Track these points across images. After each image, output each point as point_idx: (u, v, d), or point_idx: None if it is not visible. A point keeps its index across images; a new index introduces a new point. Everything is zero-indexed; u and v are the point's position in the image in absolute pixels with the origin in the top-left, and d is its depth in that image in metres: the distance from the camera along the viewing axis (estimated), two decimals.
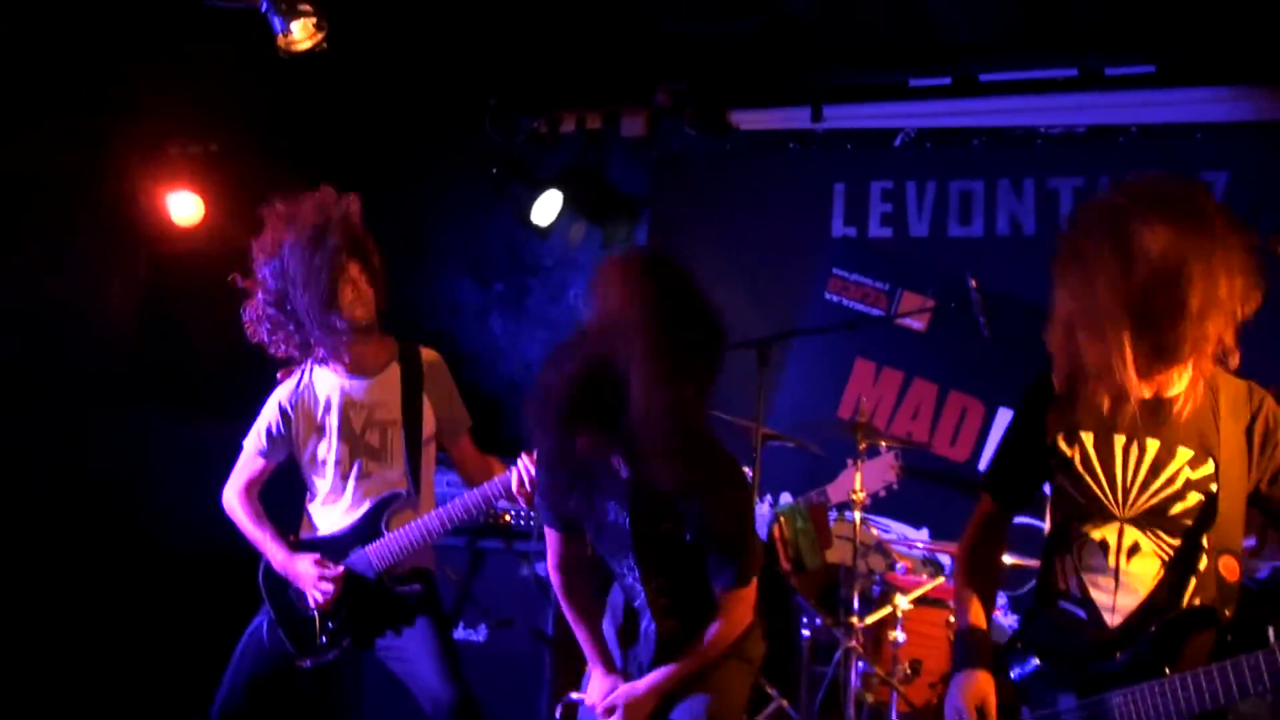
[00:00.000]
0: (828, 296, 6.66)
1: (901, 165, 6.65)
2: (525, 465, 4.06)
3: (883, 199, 6.67)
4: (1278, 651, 2.60)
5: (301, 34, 4.56)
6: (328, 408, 4.33)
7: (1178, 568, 2.90)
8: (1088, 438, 2.99)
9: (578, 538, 3.62)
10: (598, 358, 3.08)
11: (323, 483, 4.36)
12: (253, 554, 4.37)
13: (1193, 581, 2.89)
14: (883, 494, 5.28)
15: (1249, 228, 2.78)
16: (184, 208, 6.36)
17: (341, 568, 4.22)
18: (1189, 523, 2.89)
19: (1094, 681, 2.90)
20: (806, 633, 5.19)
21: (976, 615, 3.17)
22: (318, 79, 6.04)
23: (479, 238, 7.52)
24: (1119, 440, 2.94)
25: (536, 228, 6.89)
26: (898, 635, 5.00)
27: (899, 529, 6.12)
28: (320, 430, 4.32)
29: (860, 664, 4.94)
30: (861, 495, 5.13)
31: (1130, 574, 2.93)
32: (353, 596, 4.24)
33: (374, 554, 4.24)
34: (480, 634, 5.71)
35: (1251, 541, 4.36)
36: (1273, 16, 5.52)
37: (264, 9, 4.54)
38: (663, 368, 3.06)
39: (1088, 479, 2.98)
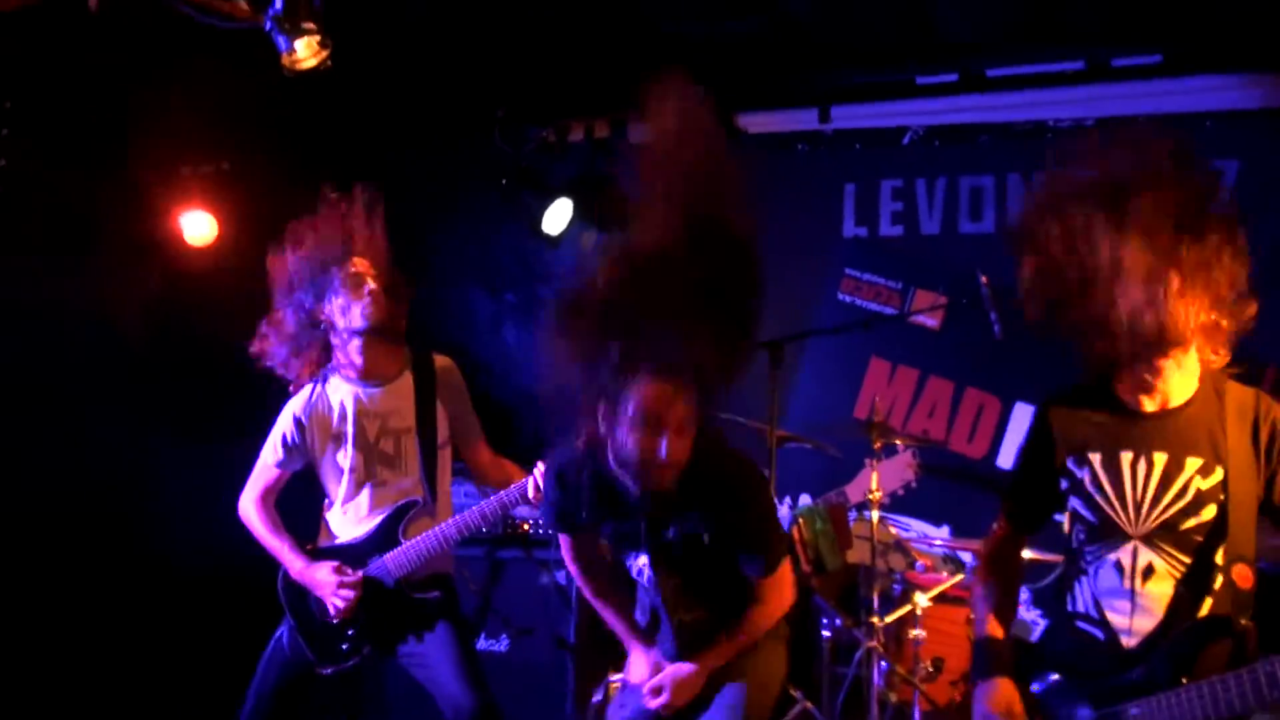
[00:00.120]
0: (840, 297, 6.66)
1: (911, 163, 6.64)
2: (542, 471, 4.08)
3: (893, 197, 6.66)
4: None
5: (306, 52, 4.57)
6: (343, 416, 4.35)
7: (1192, 587, 2.89)
8: (1095, 458, 2.99)
9: (591, 537, 3.64)
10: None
11: (339, 491, 4.38)
12: (267, 568, 4.39)
13: (1208, 602, 2.88)
14: (901, 493, 5.27)
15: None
16: (198, 227, 6.39)
17: (360, 575, 4.24)
18: (1201, 538, 2.88)
19: (1110, 694, 2.90)
20: (827, 634, 5.18)
21: (994, 627, 3.18)
22: (326, 95, 6.07)
23: (490, 248, 7.52)
24: (1126, 457, 2.95)
25: (547, 237, 6.89)
26: (919, 633, 4.99)
27: (919, 527, 6.11)
28: (335, 439, 4.35)
29: (882, 663, 4.92)
30: (879, 494, 5.11)
31: (1146, 595, 2.92)
32: (373, 604, 4.26)
33: (392, 561, 4.26)
34: (502, 644, 5.72)
35: None
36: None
37: (268, 28, 4.55)
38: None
39: (1098, 499, 2.98)
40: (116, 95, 5.91)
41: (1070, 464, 3.04)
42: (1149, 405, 2.93)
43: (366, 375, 4.35)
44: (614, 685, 3.71)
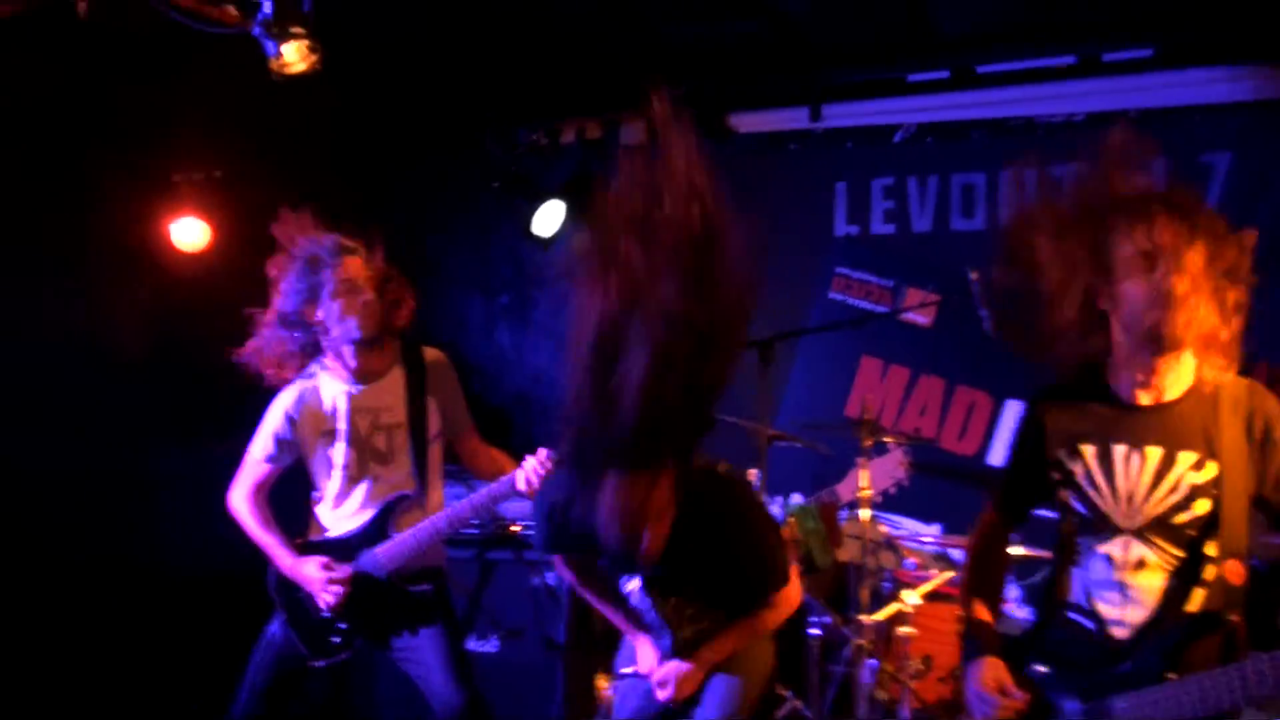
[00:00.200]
0: (832, 295, 6.66)
1: (902, 161, 6.64)
2: (533, 464, 4.14)
3: (885, 196, 6.66)
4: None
5: (295, 56, 4.58)
6: (334, 413, 4.37)
7: (1184, 580, 2.89)
8: (1088, 450, 2.99)
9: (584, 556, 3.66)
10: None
11: (331, 486, 4.40)
12: (260, 564, 4.42)
13: (1198, 593, 2.88)
14: (893, 491, 5.26)
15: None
16: (190, 234, 6.40)
17: (349, 570, 4.27)
18: (1194, 532, 2.88)
19: (1099, 687, 2.90)
20: (816, 632, 5.18)
21: (982, 613, 3.21)
22: (318, 101, 6.08)
23: (483, 251, 7.55)
24: (1119, 450, 2.94)
25: (540, 239, 6.90)
26: (908, 631, 4.99)
27: (911, 525, 6.11)
28: (327, 436, 4.36)
29: (871, 661, 4.93)
30: (870, 493, 5.12)
31: (1137, 588, 2.92)
32: (364, 598, 4.28)
33: (384, 554, 4.28)
34: (492, 645, 5.73)
35: None
36: None
37: (256, 33, 4.57)
38: None
39: (1090, 493, 2.98)
40: (107, 102, 5.93)
41: (1062, 455, 3.03)
42: (1143, 399, 2.92)
43: (358, 373, 4.37)
44: (624, 673, 3.73)
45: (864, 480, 5.12)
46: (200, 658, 5.01)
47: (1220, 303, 2.78)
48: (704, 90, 6.71)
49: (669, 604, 3.54)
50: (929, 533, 6.04)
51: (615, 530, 2.98)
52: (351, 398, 4.36)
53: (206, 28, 4.69)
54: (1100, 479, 2.96)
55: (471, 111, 7.07)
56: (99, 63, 5.63)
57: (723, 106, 6.88)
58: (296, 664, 4.32)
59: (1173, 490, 2.88)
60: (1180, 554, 2.88)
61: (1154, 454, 2.90)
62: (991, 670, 3.04)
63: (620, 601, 3.72)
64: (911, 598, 5.03)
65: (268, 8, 4.51)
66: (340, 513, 4.40)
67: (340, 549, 4.33)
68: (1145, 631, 2.90)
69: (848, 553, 5.35)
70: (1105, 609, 2.96)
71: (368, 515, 4.34)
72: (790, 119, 6.87)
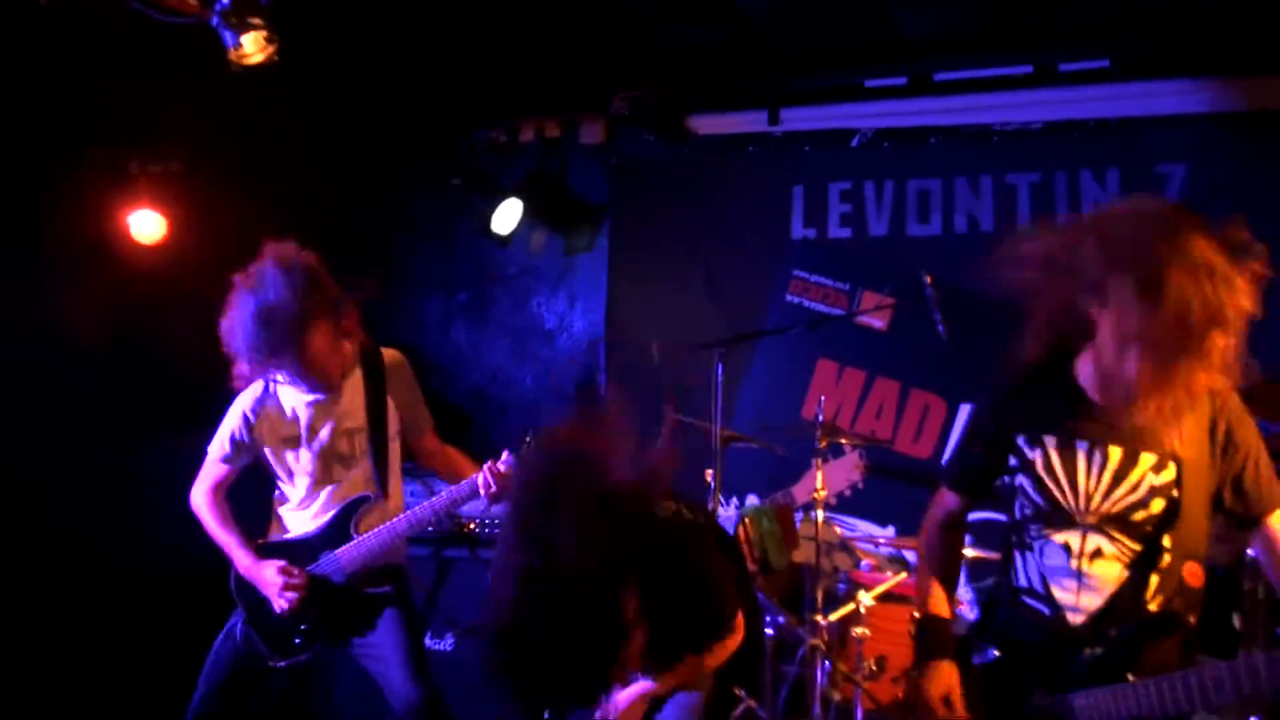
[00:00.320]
0: (789, 298, 6.68)
1: (859, 166, 6.68)
2: (492, 468, 4.14)
3: (841, 200, 6.69)
4: (1242, 664, 2.60)
5: (253, 47, 4.55)
6: (294, 419, 4.33)
7: (1140, 568, 2.91)
8: (1050, 441, 2.99)
9: None
10: None
11: (293, 490, 4.38)
12: (220, 561, 4.38)
13: (1154, 579, 2.90)
14: (848, 493, 5.30)
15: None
16: (147, 227, 6.33)
17: (306, 574, 4.24)
18: (1151, 529, 2.90)
19: (1058, 680, 2.92)
20: (770, 632, 5.20)
21: (939, 604, 3.20)
22: (278, 97, 6.04)
23: (441, 249, 7.54)
24: (1081, 447, 2.94)
25: (498, 237, 6.90)
26: (862, 632, 5.01)
27: (865, 527, 6.15)
28: (288, 441, 4.32)
29: (825, 662, 4.95)
30: (826, 494, 5.14)
31: (1093, 575, 2.94)
32: (323, 599, 4.26)
33: (344, 556, 4.27)
34: (448, 643, 5.71)
35: None
36: (1226, 7, 5.58)
37: (215, 23, 4.53)
38: None
39: (1049, 484, 2.98)
40: (65, 93, 5.86)
41: (1021, 442, 3.04)
42: (1109, 396, 2.90)
43: (317, 387, 4.32)
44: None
45: (820, 482, 5.14)
46: (175, 656, 4.94)
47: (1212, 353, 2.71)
48: (663, 91, 6.73)
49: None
50: (883, 535, 6.08)
51: None
52: (313, 405, 4.32)
53: (165, 17, 4.66)
54: (1060, 472, 2.96)
55: (432, 109, 7.06)
56: (58, 53, 5.57)
57: (682, 108, 6.90)
58: (256, 663, 4.29)
59: (1132, 490, 2.89)
60: (1137, 547, 2.91)
61: (1115, 453, 2.91)
62: (943, 676, 3.06)
63: None
64: (866, 599, 5.05)
65: None
66: (302, 514, 4.38)
67: (301, 550, 4.31)
68: (1101, 619, 2.92)
69: (803, 554, 5.37)
70: (1061, 595, 2.97)
71: (329, 516, 4.32)
72: (749, 122, 6.90)
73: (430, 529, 5.69)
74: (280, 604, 4.20)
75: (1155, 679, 2.74)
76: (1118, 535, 2.92)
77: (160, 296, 6.16)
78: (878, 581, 5.26)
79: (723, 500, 5.60)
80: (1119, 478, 2.91)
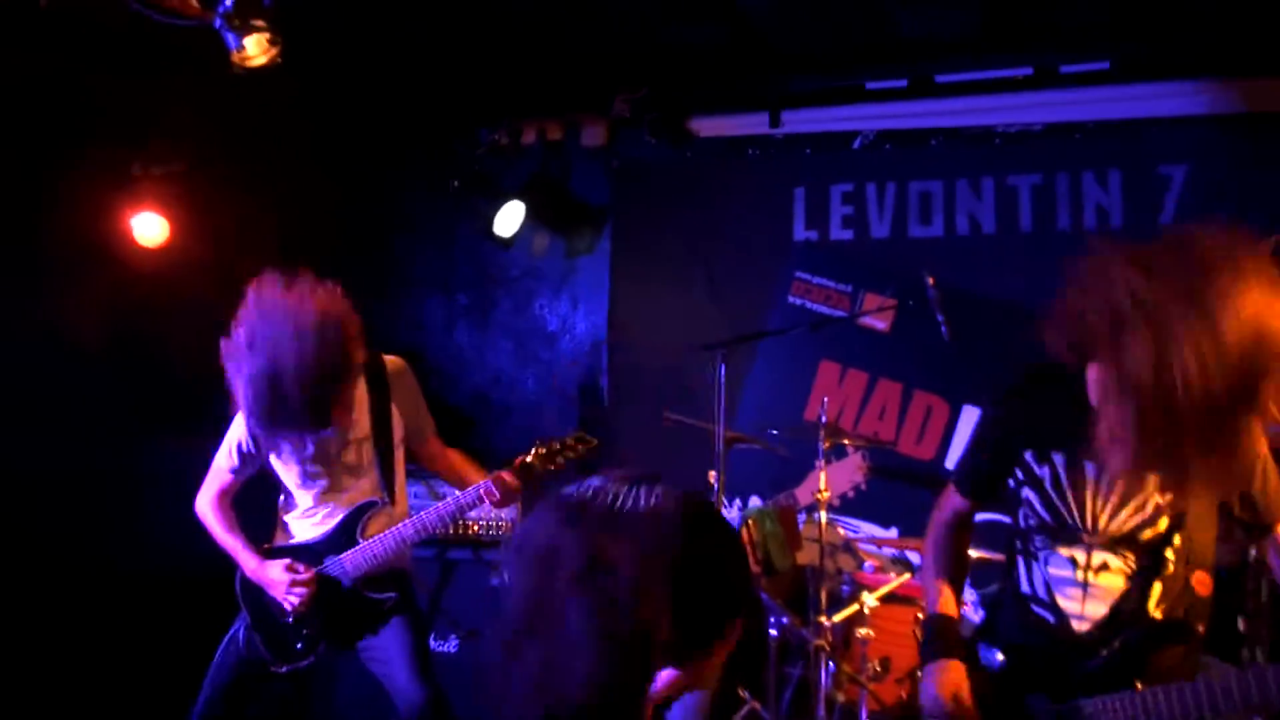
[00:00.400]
0: (791, 300, 6.69)
1: (861, 167, 6.68)
2: (498, 477, 4.19)
3: (843, 201, 6.69)
4: (1250, 675, 2.61)
5: (255, 50, 4.55)
6: None
7: (1145, 579, 2.90)
8: (1058, 460, 2.97)
9: None
10: None
11: (300, 498, 4.38)
12: (229, 568, 4.38)
13: (1158, 587, 2.89)
14: (851, 494, 5.30)
15: None
16: (149, 229, 6.34)
17: (313, 573, 4.25)
18: (1158, 544, 2.89)
19: (1064, 686, 2.91)
20: (774, 633, 5.20)
21: (947, 604, 3.18)
22: (280, 98, 6.04)
23: (444, 251, 7.54)
24: (1089, 467, 2.92)
25: (500, 239, 6.91)
26: (866, 633, 5.01)
27: (868, 529, 6.15)
28: (295, 452, 4.30)
29: (830, 663, 4.94)
30: (829, 496, 5.14)
31: (1098, 586, 2.93)
32: (328, 603, 4.26)
33: (349, 561, 4.27)
34: (451, 645, 5.71)
35: None
36: (1226, 8, 5.58)
37: (217, 25, 4.53)
38: None
39: (1056, 502, 2.97)
40: (68, 95, 5.86)
41: (1028, 457, 3.02)
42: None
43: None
44: None
45: (823, 483, 5.14)
46: (174, 657, 4.94)
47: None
48: (665, 94, 6.73)
49: None
50: (886, 536, 6.08)
51: None
52: None
53: (168, 20, 4.65)
54: (1067, 490, 2.95)
55: (433, 111, 7.06)
56: (60, 54, 5.57)
57: (684, 110, 6.89)
58: (259, 668, 4.29)
59: (1139, 509, 2.88)
60: (1144, 561, 2.90)
61: (1124, 474, 2.86)
62: (952, 675, 3.03)
63: None
64: (870, 600, 5.05)
65: (229, 0, 4.47)
66: (308, 520, 4.38)
67: (307, 555, 4.31)
68: (1105, 626, 2.92)
69: (806, 555, 5.36)
70: (1066, 604, 2.97)
71: (335, 522, 4.32)
72: (750, 124, 6.89)
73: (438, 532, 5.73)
74: (288, 602, 4.20)
75: (1163, 687, 2.74)
76: (1125, 552, 2.91)
77: (162, 298, 6.16)
78: (881, 583, 5.25)
79: (725, 502, 5.60)
80: (1126, 498, 2.89)
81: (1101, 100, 6.18)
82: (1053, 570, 3.00)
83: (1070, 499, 2.95)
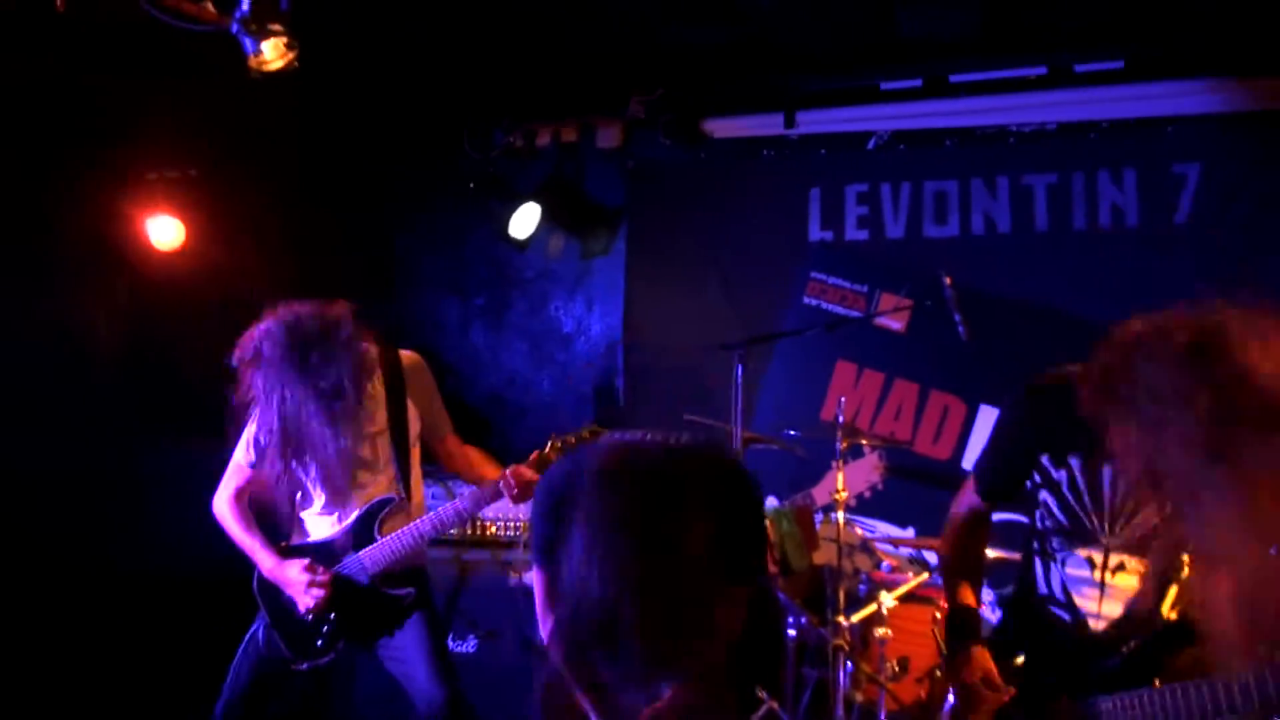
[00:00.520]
0: (806, 300, 6.69)
1: (876, 168, 6.69)
2: (516, 470, 4.20)
3: (858, 202, 6.69)
4: (1269, 672, 2.58)
5: (273, 54, 4.55)
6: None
7: (1162, 579, 2.89)
8: (1075, 463, 2.96)
9: None
10: None
11: (316, 494, 4.38)
12: (244, 569, 4.39)
13: (1174, 590, 2.88)
14: (867, 494, 5.29)
15: None
16: (165, 233, 6.36)
17: (330, 573, 4.26)
18: (1174, 546, 2.85)
19: (1082, 684, 2.91)
20: (792, 633, 5.20)
21: (966, 596, 3.20)
22: (295, 102, 6.07)
23: (459, 252, 7.56)
24: (1106, 471, 2.91)
25: (515, 241, 6.92)
26: (885, 633, 5.01)
27: (885, 529, 6.15)
28: (311, 447, 4.33)
29: (848, 663, 4.94)
30: (845, 495, 5.14)
31: (1115, 586, 2.94)
32: (346, 600, 4.28)
33: (367, 558, 4.28)
34: (470, 645, 5.72)
35: None
36: (1239, 7, 5.58)
37: (234, 30, 4.54)
38: None
39: (1072, 503, 2.97)
40: (83, 99, 5.89)
41: (1045, 461, 3.02)
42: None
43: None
44: None
45: (840, 483, 5.14)
46: (186, 659, 4.96)
47: None
48: (679, 95, 6.75)
49: None
50: (903, 535, 6.08)
51: None
52: (333, 410, 4.32)
53: (185, 25, 4.66)
54: (1085, 494, 2.94)
55: (448, 113, 7.07)
56: (76, 59, 5.59)
57: (698, 112, 6.91)
58: (279, 666, 4.31)
59: (1157, 512, 2.85)
60: (1160, 562, 2.89)
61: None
62: (979, 660, 3.05)
63: None
64: (888, 600, 5.05)
65: (246, 5, 4.46)
66: (326, 518, 4.39)
67: (324, 553, 4.32)
68: (1122, 625, 2.92)
69: (824, 555, 5.36)
70: (1083, 603, 2.98)
71: (352, 519, 4.34)
72: (765, 125, 6.89)
73: (452, 531, 5.74)
74: (306, 602, 4.21)
75: (1181, 684, 2.73)
76: (1142, 554, 2.91)
77: (176, 300, 6.19)
78: (899, 582, 5.26)
79: None
80: (1144, 502, 2.86)
81: (1116, 99, 6.19)
82: (1070, 570, 3.00)
83: (1088, 502, 2.94)
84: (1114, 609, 2.93)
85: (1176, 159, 6.05)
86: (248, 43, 4.54)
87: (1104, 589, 2.94)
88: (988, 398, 6.13)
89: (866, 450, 5.30)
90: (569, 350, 7.30)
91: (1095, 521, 2.93)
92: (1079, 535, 2.97)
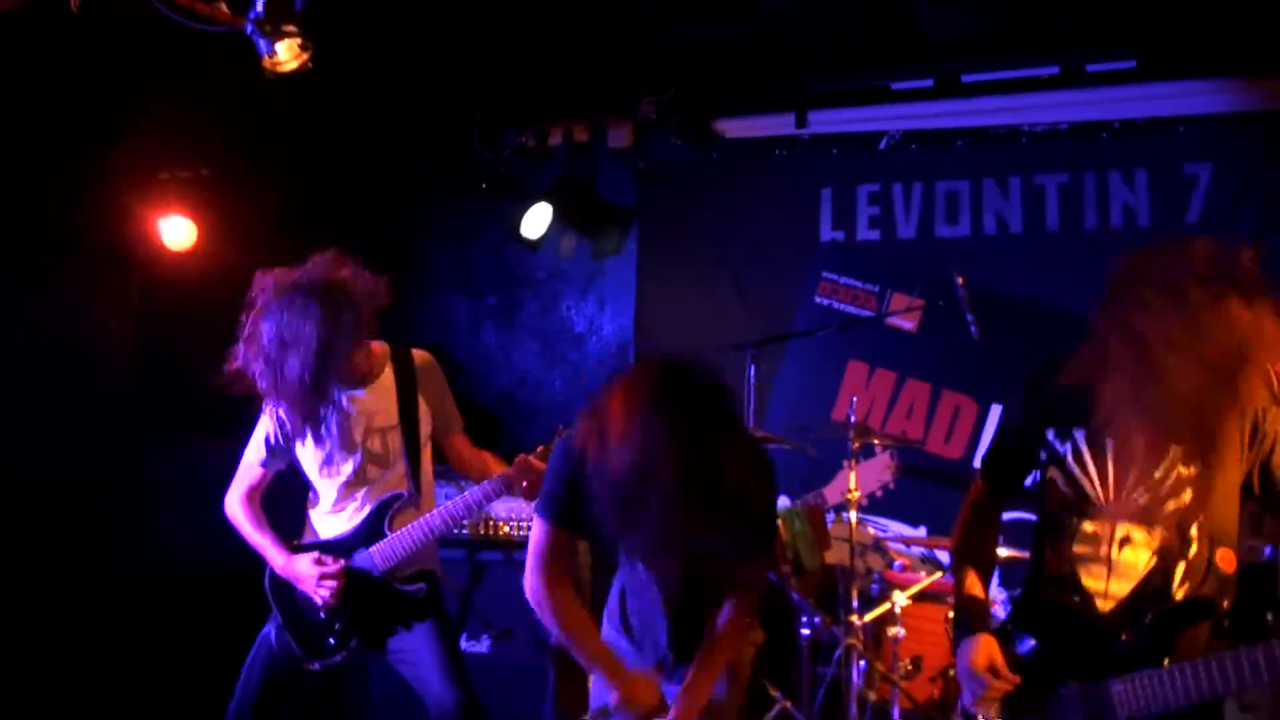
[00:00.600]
0: (818, 300, 6.69)
1: (887, 168, 6.69)
2: (525, 460, 4.20)
3: (870, 202, 6.70)
4: (1277, 651, 2.62)
5: (287, 55, 4.56)
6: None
7: (1169, 556, 2.92)
8: (1079, 435, 3.01)
9: (571, 536, 3.45)
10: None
11: (327, 491, 4.38)
12: (254, 571, 4.40)
13: (1182, 566, 2.91)
14: (879, 494, 5.30)
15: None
16: (177, 233, 6.39)
17: (341, 564, 4.25)
18: (1180, 519, 2.90)
19: (1093, 667, 2.92)
20: (806, 632, 5.20)
21: (974, 587, 3.23)
22: (307, 102, 6.08)
23: (470, 252, 7.56)
24: (1110, 440, 2.95)
25: (527, 241, 6.94)
26: (898, 632, 5.01)
27: (897, 528, 6.15)
28: (320, 441, 4.32)
29: (861, 662, 4.95)
30: (857, 495, 5.14)
31: (1122, 563, 2.95)
32: (358, 596, 4.27)
33: (378, 554, 4.27)
34: (483, 645, 5.73)
35: None
36: (1251, 7, 5.58)
37: (249, 31, 4.55)
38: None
39: (1079, 476, 3.00)
40: (96, 100, 5.91)
41: (1051, 436, 3.06)
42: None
43: (350, 380, 4.33)
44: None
45: (851, 483, 5.15)
46: (195, 660, 4.99)
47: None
48: (691, 95, 6.75)
49: (675, 583, 3.44)
50: (915, 535, 6.08)
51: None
52: (343, 403, 4.33)
53: (199, 26, 4.66)
54: (1090, 464, 2.98)
55: (459, 113, 7.09)
56: (89, 60, 5.61)
57: (710, 111, 6.92)
58: (291, 666, 4.30)
59: (1161, 481, 2.90)
60: (1166, 535, 2.92)
61: (1144, 445, 2.90)
62: (985, 648, 3.07)
63: (590, 626, 3.54)
64: (900, 599, 5.05)
65: (260, 6, 4.47)
66: (336, 515, 4.38)
67: (335, 550, 4.31)
68: (1130, 604, 2.93)
69: (836, 555, 5.37)
70: (1091, 583, 2.99)
71: (363, 516, 4.33)
72: (777, 125, 6.90)
73: (464, 530, 5.75)
74: (319, 595, 4.21)
75: (1191, 663, 2.75)
76: (1148, 526, 2.93)
77: (188, 301, 6.20)
78: (911, 581, 5.26)
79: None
80: (1148, 469, 2.91)
81: (1127, 99, 6.20)
82: (1077, 548, 3.01)
83: (1092, 471, 2.98)
84: (1122, 588, 2.95)
85: (1188, 159, 6.05)
86: (262, 44, 4.54)
87: (1111, 565, 2.96)
88: (999, 397, 6.13)
89: (878, 450, 5.30)
90: (581, 350, 7.31)
91: (1101, 492, 2.97)
92: (1086, 506, 3.00)
